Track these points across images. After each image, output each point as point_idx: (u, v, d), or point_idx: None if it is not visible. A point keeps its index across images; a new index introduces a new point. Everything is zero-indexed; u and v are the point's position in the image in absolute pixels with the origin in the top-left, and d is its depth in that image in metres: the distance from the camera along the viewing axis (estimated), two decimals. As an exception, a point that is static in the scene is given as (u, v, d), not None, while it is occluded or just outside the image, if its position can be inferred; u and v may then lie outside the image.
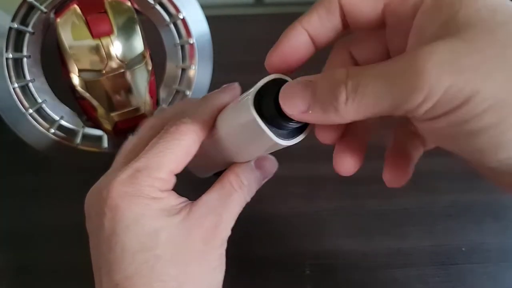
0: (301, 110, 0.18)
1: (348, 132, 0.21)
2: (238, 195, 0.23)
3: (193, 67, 0.34)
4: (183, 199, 0.23)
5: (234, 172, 0.23)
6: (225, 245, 0.22)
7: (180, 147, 0.22)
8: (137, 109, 0.32)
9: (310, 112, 0.17)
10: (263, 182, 0.25)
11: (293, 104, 0.18)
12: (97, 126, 0.33)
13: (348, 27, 0.19)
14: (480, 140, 0.15)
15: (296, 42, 0.19)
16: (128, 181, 0.21)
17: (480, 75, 0.14)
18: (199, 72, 0.34)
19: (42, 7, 0.29)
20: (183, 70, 0.34)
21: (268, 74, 0.20)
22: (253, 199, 0.25)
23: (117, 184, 0.21)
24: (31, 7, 0.29)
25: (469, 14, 0.15)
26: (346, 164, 0.21)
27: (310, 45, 0.20)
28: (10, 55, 0.30)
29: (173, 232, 0.21)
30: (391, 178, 0.22)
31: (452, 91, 0.14)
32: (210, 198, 0.22)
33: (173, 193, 0.22)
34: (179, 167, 0.22)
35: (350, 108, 0.16)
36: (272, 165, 0.25)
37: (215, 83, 0.34)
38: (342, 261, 0.30)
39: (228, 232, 0.23)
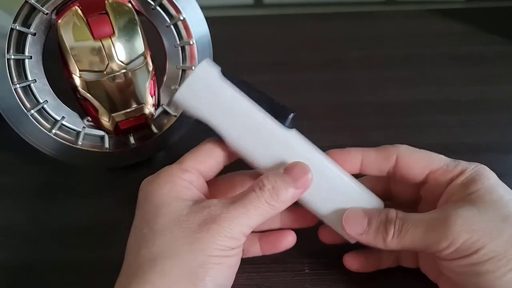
0: (359, 233, 0.24)
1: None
2: (256, 195, 0.23)
3: (193, 68, 0.34)
4: (201, 192, 0.25)
5: (258, 179, 0.24)
6: (226, 251, 0.23)
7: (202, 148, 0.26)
8: (138, 110, 0.32)
9: (364, 235, 0.24)
10: (299, 191, 0.24)
11: (354, 229, 0.24)
12: (98, 126, 0.33)
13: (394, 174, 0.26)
14: (481, 280, 0.22)
15: (349, 163, 0.26)
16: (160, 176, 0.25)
17: (487, 236, 0.22)
18: (199, 73, 0.34)
19: (44, 8, 0.30)
20: (184, 71, 0.35)
21: None
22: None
23: (155, 179, 0.25)
24: (33, 8, 0.30)
25: (483, 193, 0.23)
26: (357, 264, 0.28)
27: (356, 169, 0.26)
28: (12, 56, 0.30)
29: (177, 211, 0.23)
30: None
31: (468, 243, 0.22)
32: (223, 198, 0.24)
33: (195, 188, 0.25)
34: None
35: (394, 241, 0.23)
36: (302, 171, 0.24)
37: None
38: (341, 259, 0.30)
39: (230, 239, 0.22)
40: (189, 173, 0.25)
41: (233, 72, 0.26)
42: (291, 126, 0.25)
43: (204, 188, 0.26)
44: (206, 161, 0.25)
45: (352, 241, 0.26)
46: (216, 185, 0.27)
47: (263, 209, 0.23)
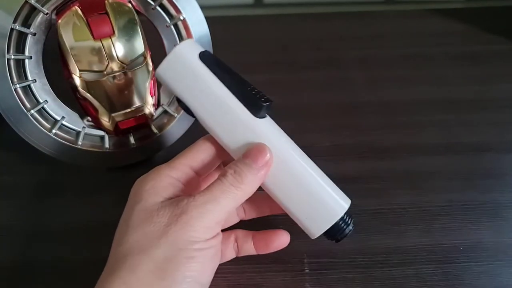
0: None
1: None
2: (221, 182, 0.24)
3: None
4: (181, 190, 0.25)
5: (226, 168, 0.25)
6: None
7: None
8: (138, 110, 0.32)
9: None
10: (262, 172, 0.25)
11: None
12: (98, 126, 0.33)
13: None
14: None
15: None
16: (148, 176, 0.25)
17: None
18: (199, 72, 0.34)
19: (44, 8, 0.30)
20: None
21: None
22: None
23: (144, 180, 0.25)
24: (33, 9, 0.30)
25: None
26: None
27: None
28: (12, 56, 0.30)
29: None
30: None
31: None
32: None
33: (178, 188, 0.25)
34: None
35: None
36: (259, 151, 0.25)
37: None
38: (341, 259, 0.30)
39: (202, 229, 0.23)
40: (177, 170, 0.25)
41: (215, 56, 0.26)
42: (263, 115, 0.26)
43: (196, 185, 0.26)
44: (197, 156, 0.26)
45: (312, 237, 0.26)
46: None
47: (230, 192, 0.23)
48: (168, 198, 0.24)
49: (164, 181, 0.24)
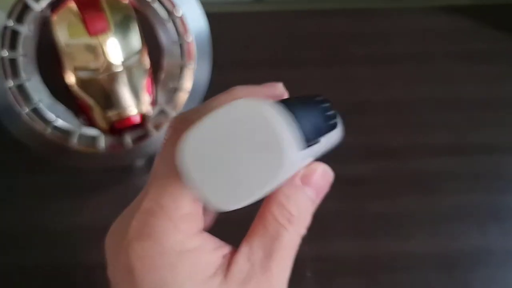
0: None
1: None
2: (290, 234, 0.17)
3: (191, 65, 0.33)
4: (220, 245, 0.17)
5: (276, 201, 0.17)
6: None
7: None
8: (134, 108, 0.32)
9: None
10: (319, 201, 0.19)
11: None
12: (94, 125, 0.33)
13: None
14: None
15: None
16: (144, 233, 0.16)
17: None
18: (198, 70, 0.34)
19: (38, 5, 0.29)
20: (181, 68, 0.34)
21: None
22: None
23: (132, 240, 0.16)
24: (27, 5, 0.29)
25: None
26: None
27: None
28: (5, 54, 0.29)
29: None
30: None
31: None
32: (252, 248, 0.17)
33: (208, 236, 0.17)
34: None
35: None
36: (323, 176, 0.18)
37: (214, 82, 0.33)
38: (344, 263, 0.29)
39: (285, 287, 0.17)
40: (195, 218, 0.17)
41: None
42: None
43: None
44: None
45: None
46: None
47: (296, 245, 0.18)
48: (214, 271, 0.16)
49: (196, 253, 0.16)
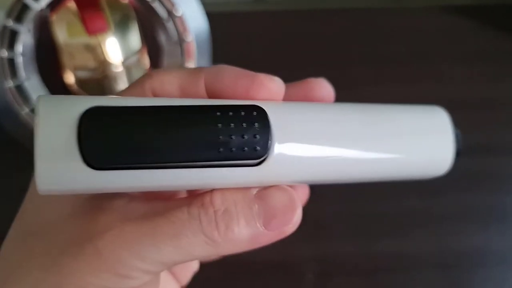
0: None
1: None
2: (188, 218, 0.13)
3: (191, 65, 0.33)
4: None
5: (212, 190, 0.14)
6: None
7: None
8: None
9: None
10: (268, 236, 0.15)
11: None
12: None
13: None
14: None
15: None
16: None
17: None
18: (198, 70, 0.34)
19: (37, 4, 0.29)
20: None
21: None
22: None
23: None
24: (26, 4, 0.29)
25: None
26: None
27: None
28: (4, 54, 0.29)
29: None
30: None
31: None
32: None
33: None
34: None
35: None
36: (284, 201, 0.15)
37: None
38: (344, 264, 0.29)
39: (111, 276, 0.13)
40: None
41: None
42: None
43: None
44: None
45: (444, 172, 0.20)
46: None
47: (189, 240, 0.13)
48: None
49: None
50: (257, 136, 0.13)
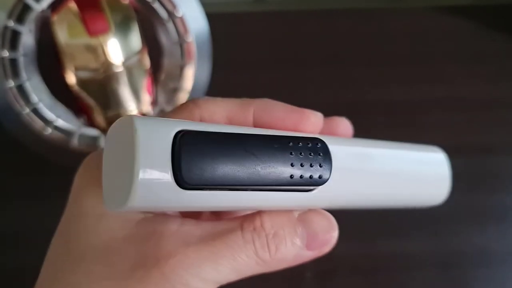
0: None
1: None
2: (242, 241, 0.15)
3: (191, 65, 0.33)
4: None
5: (260, 213, 0.16)
6: None
7: None
8: (134, 109, 0.32)
9: None
10: (310, 254, 0.17)
11: None
12: (94, 125, 0.33)
13: None
14: None
15: None
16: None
17: None
18: (198, 70, 0.34)
19: (38, 5, 0.29)
20: (181, 69, 0.34)
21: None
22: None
23: None
24: (27, 5, 0.29)
25: None
26: None
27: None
28: (6, 54, 0.29)
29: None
30: None
31: None
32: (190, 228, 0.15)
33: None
34: None
35: None
36: (323, 225, 0.17)
37: (214, 82, 0.33)
38: (344, 264, 0.29)
39: None
40: None
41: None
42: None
43: None
44: None
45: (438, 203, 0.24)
46: None
47: (244, 262, 0.15)
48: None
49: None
50: (322, 165, 0.15)
